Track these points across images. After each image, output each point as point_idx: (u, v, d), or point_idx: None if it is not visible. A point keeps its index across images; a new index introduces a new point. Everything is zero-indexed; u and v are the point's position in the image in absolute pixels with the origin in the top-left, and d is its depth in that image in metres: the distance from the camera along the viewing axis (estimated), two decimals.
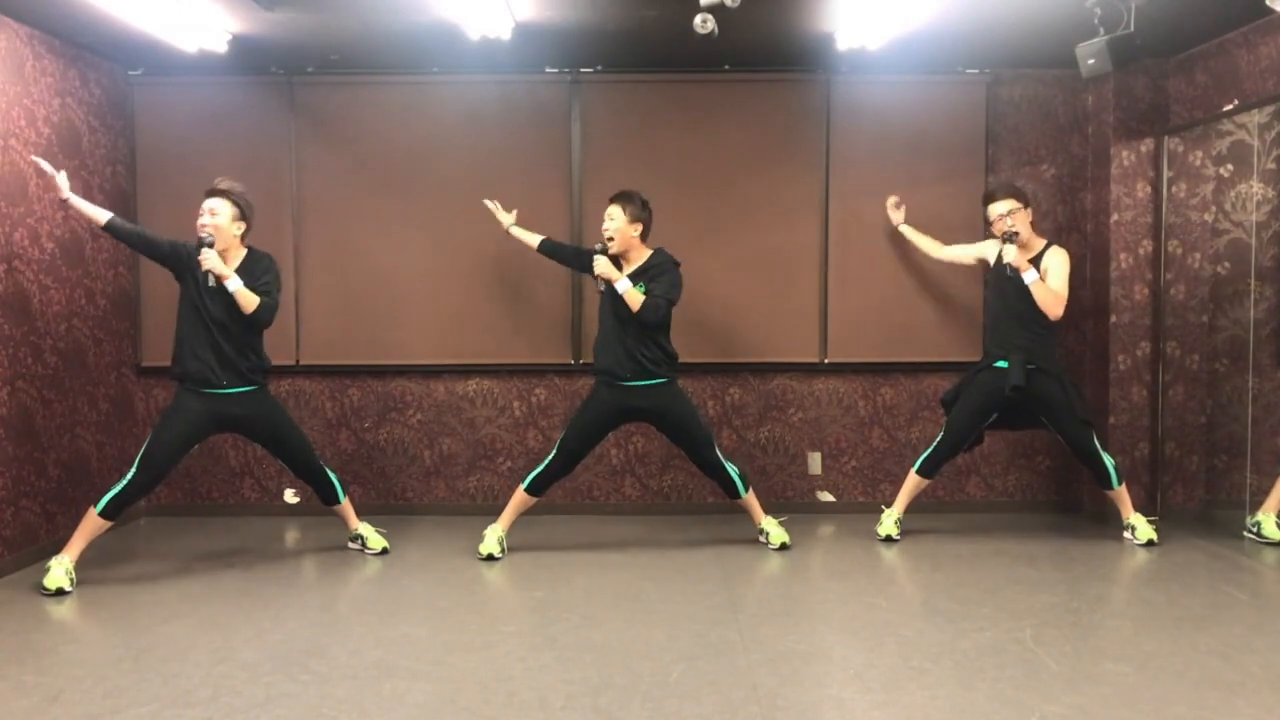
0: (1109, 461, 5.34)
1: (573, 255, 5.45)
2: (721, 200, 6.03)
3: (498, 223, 5.81)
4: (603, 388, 5.16)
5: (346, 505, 5.25)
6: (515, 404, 6.16)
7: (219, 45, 5.20)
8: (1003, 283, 5.30)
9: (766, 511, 5.43)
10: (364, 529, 5.30)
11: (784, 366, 6.15)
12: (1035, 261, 5.25)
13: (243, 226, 4.77)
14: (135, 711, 3.24)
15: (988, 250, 5.53)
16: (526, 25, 5.05)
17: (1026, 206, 5.31)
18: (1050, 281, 5.18)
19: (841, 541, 5.57)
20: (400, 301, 6.07)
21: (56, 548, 5.20)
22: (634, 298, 4.98)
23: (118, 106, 5.89)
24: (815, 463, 6.19)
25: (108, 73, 5.78)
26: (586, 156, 6.03)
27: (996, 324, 5.40)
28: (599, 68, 5.98)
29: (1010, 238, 5.19)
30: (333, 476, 5.16)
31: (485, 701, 3.31)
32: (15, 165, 4.97)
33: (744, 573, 4.87)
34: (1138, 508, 5.96)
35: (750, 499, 5.38)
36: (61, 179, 4.55)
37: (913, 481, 5.54)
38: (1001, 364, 5.27)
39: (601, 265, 5.02)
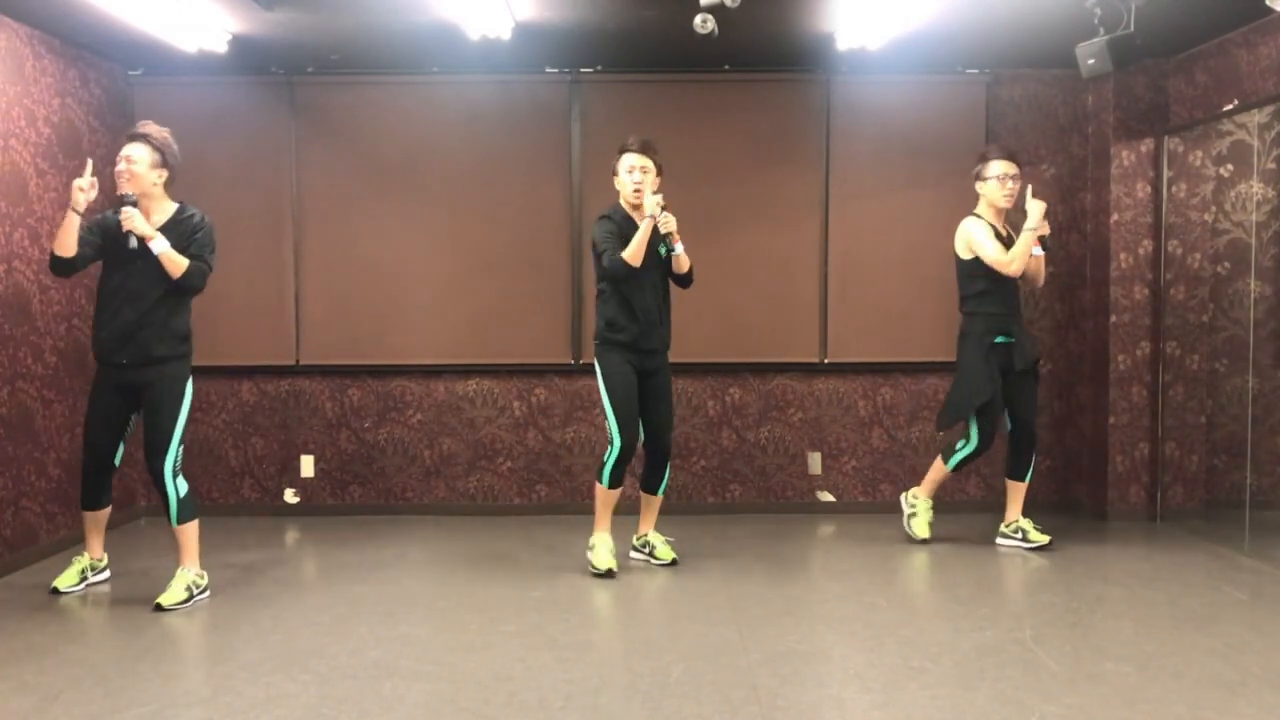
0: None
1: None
2: (721, 200, 6.03)
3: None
4: (626, 353, 4.75)
5: (185, 531, 4.41)
6: (515, 404, 6.16)
7: (219, 45, 5.21)
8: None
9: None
10: (190, 576, 4.42)
11: (784, 366, 6.15)
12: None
13: (164, 174, 4.33)
14: (135, 711, 3.24)
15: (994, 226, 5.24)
16: (526, 25, 5.05)
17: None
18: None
19: (841, 541, 5.58)
20: (400, 301, 6.07)
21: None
22: (686, 259, 4.77)
23: (118, 106, 5.89)
24: (815, 463, 6.19)
25: (108, 73, 5.78)
26: (586, 156, 6.03)
27: (1002, 297, 5.17)
28: (599, 68, 5.98)
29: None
30: (173, 494, 4.36)
31: (485, 701, 3.31)
32: (15, 165, 4.97)
33: (744, 573, 4.87)
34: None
35: (658, 501, 5.07)
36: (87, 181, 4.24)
37: (1020, 489, 5.35)
38: (1002, 339, 5.14)
39: (673, 222, 4.66)
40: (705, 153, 6.02)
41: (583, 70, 6.00)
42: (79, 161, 5.45)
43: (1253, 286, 6.12)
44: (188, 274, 4.30)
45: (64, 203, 5.32)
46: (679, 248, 4.73)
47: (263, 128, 6.03)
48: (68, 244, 4.25)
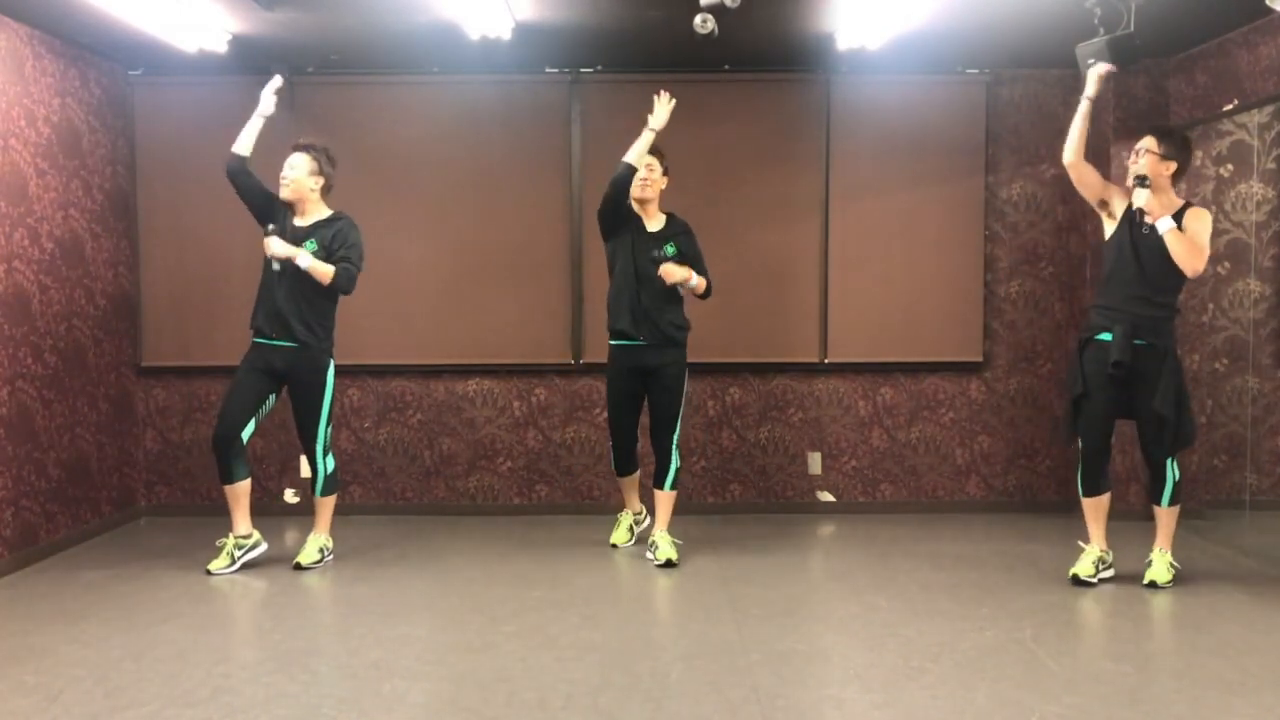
0: (1171, 475, 4.67)
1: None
2: (721, 200, 6.02)
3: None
4: (620, 350, 5.09)
5: (322, 505, 5.05)
6: (515, 404, 6.16)
7: (219, 45, 5.21)
8: (1126, 238, 4.57)
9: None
10: (316, 539, 5.06)
11: (784, 366, 6.15)
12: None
13: (320, 181, 4.86)
14: (135, 711, 3.24)
15: (1117, 198, 4.69)
16: (526, 25, 5.05)
17: (1165, 157, 4.50)
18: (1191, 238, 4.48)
19: (841, 541, 5.58)
20: (400, 301, 6.07)
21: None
22: (702, 283, 5.06)
23: (118, 106, 5.89)
24: (815, 463, 6.19)
25: (108, 73, 5.78)
26: (586, 156, 6.03)
27: (1109, 288, 4.65)
28: (599, 68, 5.98)
29: (1140, 181, 4.45)
30: (321, 469, 4.97)
31: (485, 701, 3.31)
32: (15, 165, 4.97)
33: (744, 573, 4.87)
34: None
35: (672, 496, 5.14)
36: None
37: (1088, 507, 4.81)
38: (1105, 336, 4.59)
39: (678, 274, 4.96)
40: (705, 153, 6.02)
41: (583, 70, 6.00)
42: (78, 161, 5.47)
43: (1253, 286, 6.12)
44: (335, 280, 4.77)
45: (64, 202, 5.34)
46: (693, 281, 5.01)
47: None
48: (245, 143, 4.95)
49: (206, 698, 3.35)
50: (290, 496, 6.17)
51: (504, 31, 4.94)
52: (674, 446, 5.09)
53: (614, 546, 5.34)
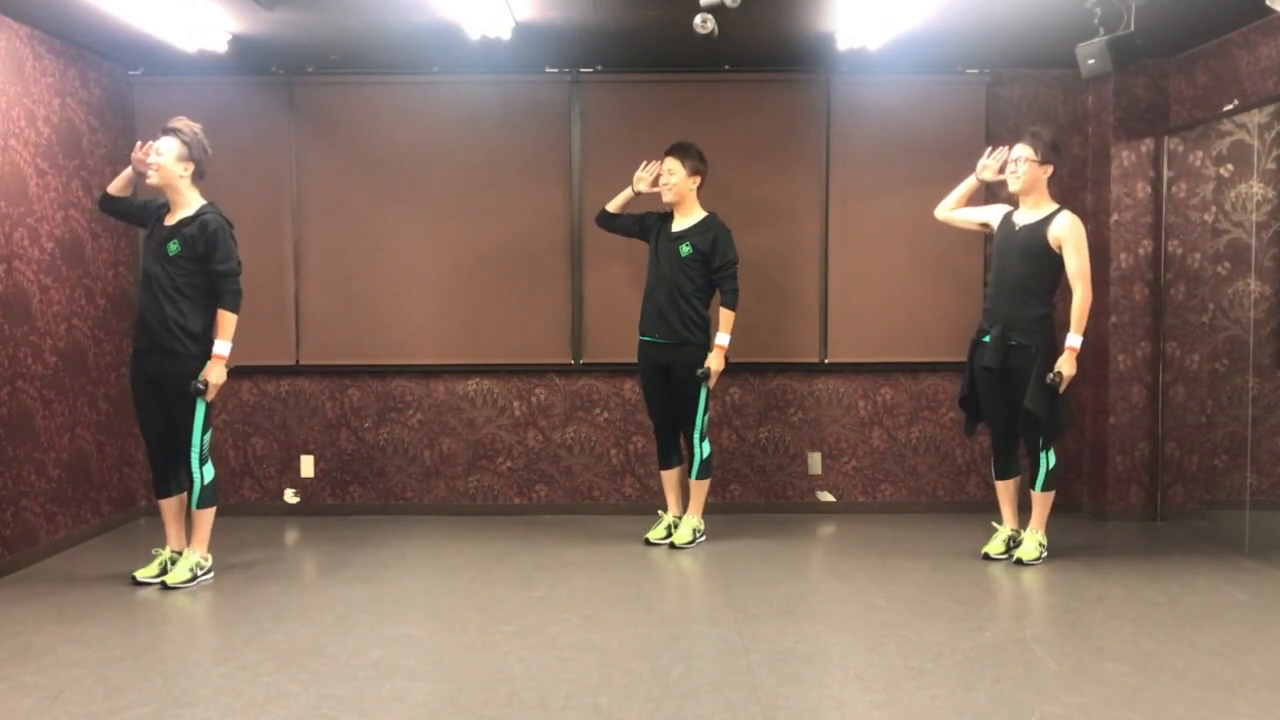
0: (1045, 462, 5.04)
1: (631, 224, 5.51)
2: (721, 200, 6.00)
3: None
4: (643, 344, 5.41)
5: (200, 518, 4.70)
6: (515, 404, 6.16)
7: (219, 45, 5.20)
8: (1000, 245, 5.01)
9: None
10: (188, 557, 4.70)
11: (784, 366, 6.15)
12: (1043, 225, 4.86)
13: (190, 166, 4.59)
14: (135, 711, 3.24)
15: (992, 215, 5.14)
16: (526, 25, 5.05)
17: (1043, 162, 4.89)
18: (1070, 266, 4.83)
19: (841, 541, 5.58)
20: (400, 301, 6.07)
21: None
22: (727, 333, 5.32)
23: (118, 106, 5.89)
24: (815, 463, 6.19)
25: (108, 73, 5.78)
26: (586, 156, 6.03)
27: (991, 291, 5.08)
28: (599, 68, 5.98)
29: (1056, 377, 4.81)
30: (198, 479, 4.64)
31: (485, 701, 3.31)
32: (15, 165, 4.97)
33: (744, 573, 4.87)
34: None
35: (700, 485, 5.38)
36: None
37: (998, 489, 5.27)
38: (987, 338, 4.99)
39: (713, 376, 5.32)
40: (705, 153, 6.00)
41: (583, 70, 5.99)
42: (78, 161, 5.47)
43: (1253, 286, 6.12)
44: (234, 308, 4.60)
45: (64, 202, 5.34)
46: (720, 338, 5.32)
47: (263, 128, 6.03)
48: (112, 185, 4.83)
49: (206, 698, 3.35)
50: (290, 497, 6.16)
51: (504, 31, 4.93)
52: (698, 439, 5.33)
53: (647, 541, 5.39)
